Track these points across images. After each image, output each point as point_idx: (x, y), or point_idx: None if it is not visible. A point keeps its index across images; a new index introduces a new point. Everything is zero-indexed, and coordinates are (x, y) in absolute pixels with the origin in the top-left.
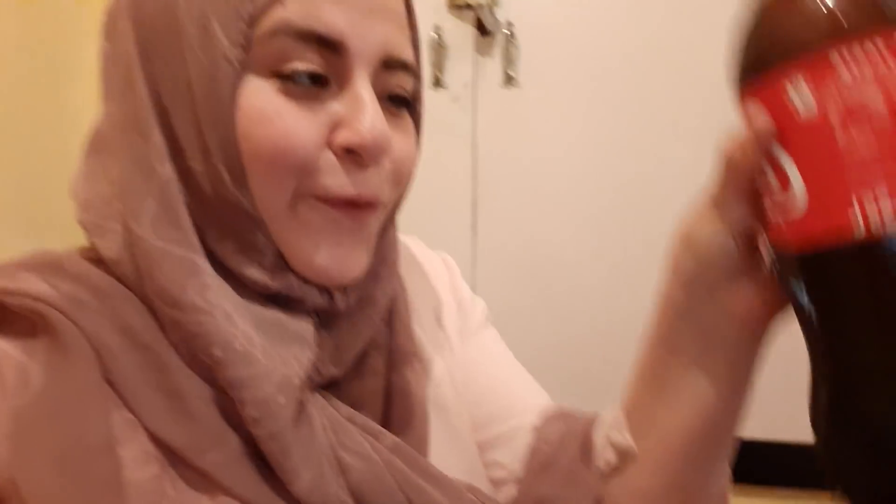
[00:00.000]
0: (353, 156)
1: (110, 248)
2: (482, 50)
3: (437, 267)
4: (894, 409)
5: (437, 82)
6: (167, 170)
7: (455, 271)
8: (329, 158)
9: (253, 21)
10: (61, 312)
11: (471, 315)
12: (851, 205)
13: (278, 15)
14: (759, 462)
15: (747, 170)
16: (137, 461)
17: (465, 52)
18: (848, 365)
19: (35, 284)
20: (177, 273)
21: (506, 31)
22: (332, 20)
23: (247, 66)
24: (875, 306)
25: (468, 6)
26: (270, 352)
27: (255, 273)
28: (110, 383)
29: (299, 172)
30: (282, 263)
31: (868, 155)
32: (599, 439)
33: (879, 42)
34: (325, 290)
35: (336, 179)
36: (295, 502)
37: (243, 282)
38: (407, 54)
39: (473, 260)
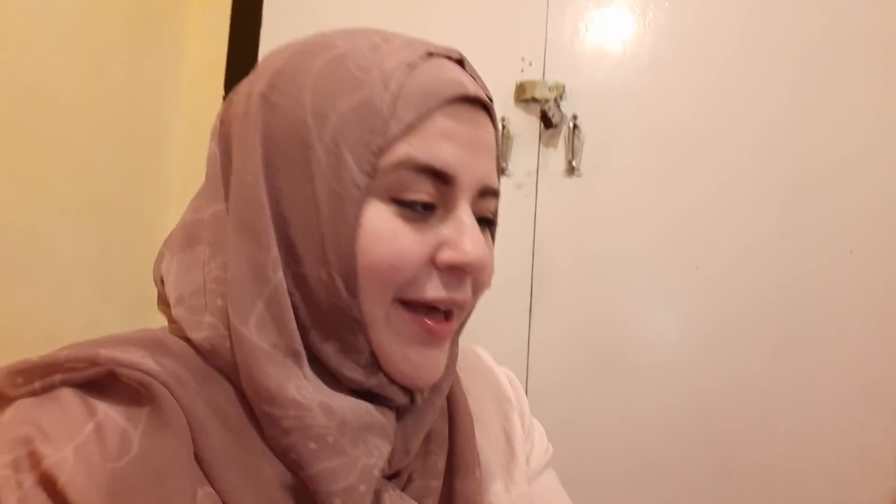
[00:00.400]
0: (455, 271)
1: (207, 340)
2: (547, 141)
3: (502, 381)
4: None
5: (502, 170)
6: (279, 277)
7: (520, 390)
8: (428, 272)
9: (380, 153)
10: (165, 386)
11: (538, 447)
12: None
13: (403, 151)
14: None
15: None
16: None
17: (531, 142)
18: None
19: (143, 359)
20: (277, 373)
21: (570, 123)
22: (446, 157)
23: (370, 191)
24: None
25: (534, 99)
26: (357, 441)
27: (353, 372)
28: (199, 459)
29: (403, 284)
30: (375, 363)
31: None
32: None
33: None
34: (408, 389)
35: (431, 287)
36: None
37: (338, 377)
38: (496, 183)
39: (528, 343)
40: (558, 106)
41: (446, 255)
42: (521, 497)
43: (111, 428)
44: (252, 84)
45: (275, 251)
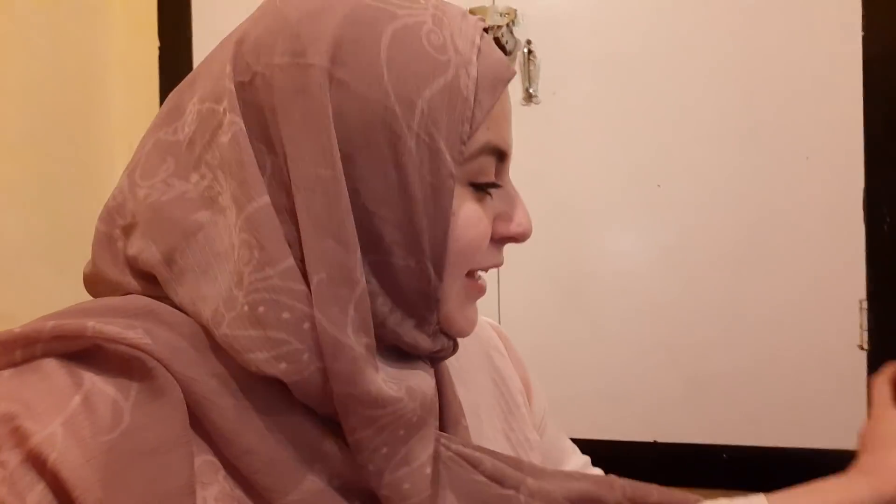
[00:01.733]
0: (508, 240)
1: (282, 359)
2: None
3: (489, 332)
4: None
5: None
6: (364, 279)
7: (509, 340)
8: (488, 245)
9: (466, 140)
10: (158, 360)
11: (538, 398)
12: None
13: (483, 137)
14: None
15: None
16: (218, 501)
17: None
18: None
19: (134, 332)
20: (374, 375)
21: (525, 49)
22: (508, 138)
23: (457, 179)
24: None
25: (486, 28)
26: (427, 407)
27: (424, 342)
28: (199, 428)
29: (475, 260)
30: (439, 329)
31: None
32: None
33: None
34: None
35: (488, 257)
36: None
37: (409, 349)
38: None
39: (497, 273)
40: (511, 32)
41: (505, 229)
42: (526, 442)
43: (100, 399)
44: (300, 53)
45: (359, 252)
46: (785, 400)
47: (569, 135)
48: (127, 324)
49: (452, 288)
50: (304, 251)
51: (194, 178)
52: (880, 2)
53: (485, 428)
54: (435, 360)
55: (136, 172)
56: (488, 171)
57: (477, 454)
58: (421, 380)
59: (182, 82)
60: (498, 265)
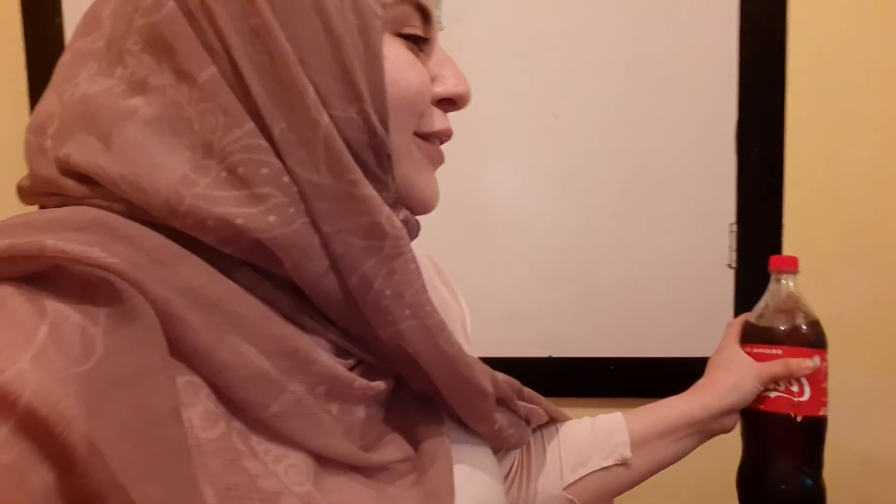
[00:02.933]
0: (447, 103)
1: (269, 213)
2: None
3: (424, 261)
4: (782, 485)
5: None
6: (326, 118)
7: (443, 270)
8: (429, 103)
9: None
10: (126, 281)
11: (467, 313)
12: (822, 406)
13: None
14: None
15: (789, 377)
16: (204, 421)
17: None
18: (760, 460)
19: (95, 250)
20: (367, 208)
21: None
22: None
23: (385, 26)
24: (791, 443)
25: None
26: None
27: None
28: (175, 350)
29: (424, 118)
30: (399, 198)
31: (824, 389)
32: (608, 444)
33: (825, 354)
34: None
35: (439, 120)
36: (353, 434)
37: None
38: None
39: None
40: None
41: (443, 88)
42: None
43: (68, 328)
44: None
45: (312, 91)
46: (663, 314)
47: (472, 63)
48: (84, 240)
49: (404, 146)
50: (259, 105)
51: (118, 71)
52: None
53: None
54: None
55: (59, 80)
56: (413, 24)
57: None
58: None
59: (93, 1)
60: (446, 131)
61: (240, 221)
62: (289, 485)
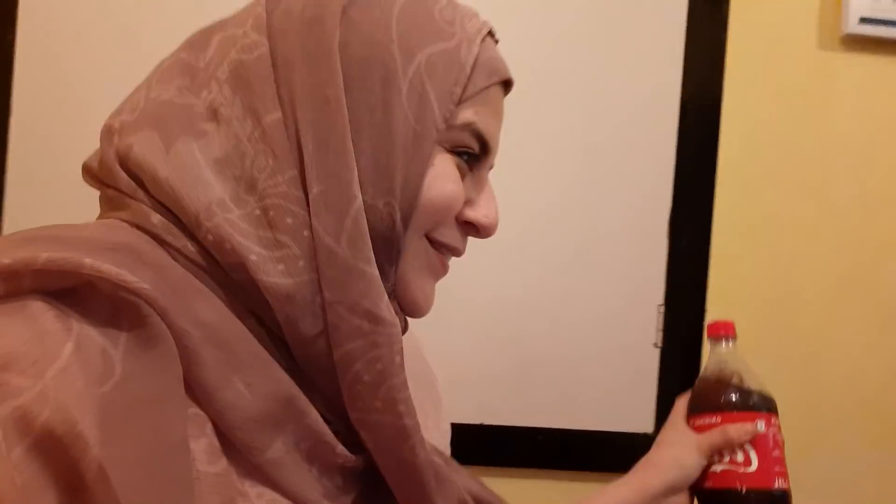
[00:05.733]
0: (471, 229)
1: (279, 259)
2: None
3: (415, 337)
4: None
5: None
6: (360, 197)
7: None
8: (453, 222)
9: (456, 102)
10: (153, 307)
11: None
12: (774, 477)
13: (470, 114)
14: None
15: (729, 445)
16: (208, 455)
17: None
18: None
19: (126, 273)
20: (372, 290)
21: None
22: (493, 132)
23: (440, 137)
24: None
25: None
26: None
27: None
28: (186, 381)
29: (442, 227)
30: (393, 292)
31: (778, 458)
32: None
33: (775, 419)
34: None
35: (455, 237)
36: (331, 496)
37: None
38: None
39: None
40: None
41: (471, 213)
42: (446, 433)
43: (91, 347)
44: None
45: (356, 171)
46: (592, 388)
47: None
48: (114, 260)
49: (414, 245)
50: (305, 164)
51: (204, 93)
52: (698, 55)
53: (427, 417)
54: None
55: (154, 79)
56: (469, 144)
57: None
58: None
59: (213, 23)
60: (458, 249)
61: (252, 258)
62: None
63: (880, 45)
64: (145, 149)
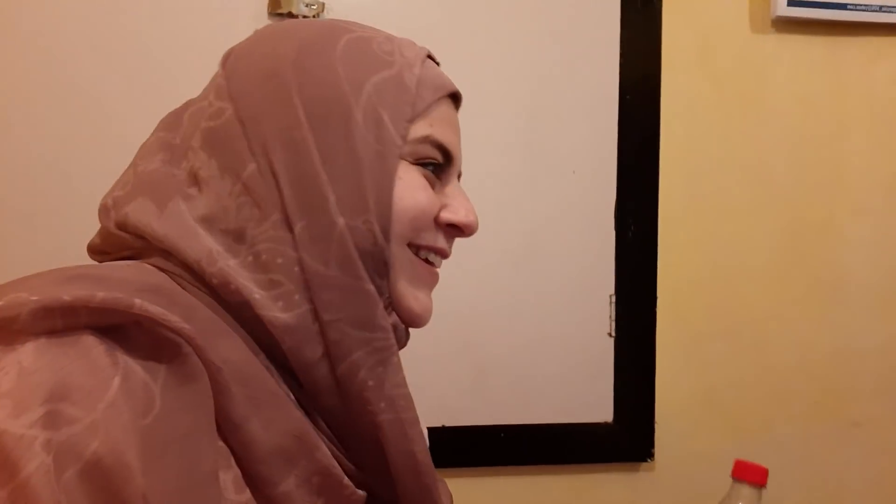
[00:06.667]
0: (452, 230)
1: (278, 297)
2: None
3: None
4: None
5: None
6: (342, 221)
7: None
8: (435, 227)
9: (411, 122)
10: (192, 346)
11: None
12: None
13: (425, 128)
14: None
15: None
16: (236, 485)
17: None
18: None
19: (171, 314)
20: (367, 303)
21: None
22: (451, 140)
23: (402, 152)
24: None
25: (291, 14)
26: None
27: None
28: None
29: (421, 231)
30: (390, 306)
31: None
32: None
33: None
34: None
35: (438, 239)
36: None
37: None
38: None
39: None
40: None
41: (450, 215)
42: None
43: (135, 381)
44: (272, 50)
45: (333, 198)
46: (549, 381)
47: None
48: (154, 300)
49: (400, 256)
50: (286, 203)
51: (183, 164)
52: (634, 45)
53: None
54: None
55: (138, 158)
56: (433, 160)
57: None
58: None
59: (183, 104)
60: (443, 251)
61: (256, 296)
62: None
63: (809, 25)
64: (140, 213)
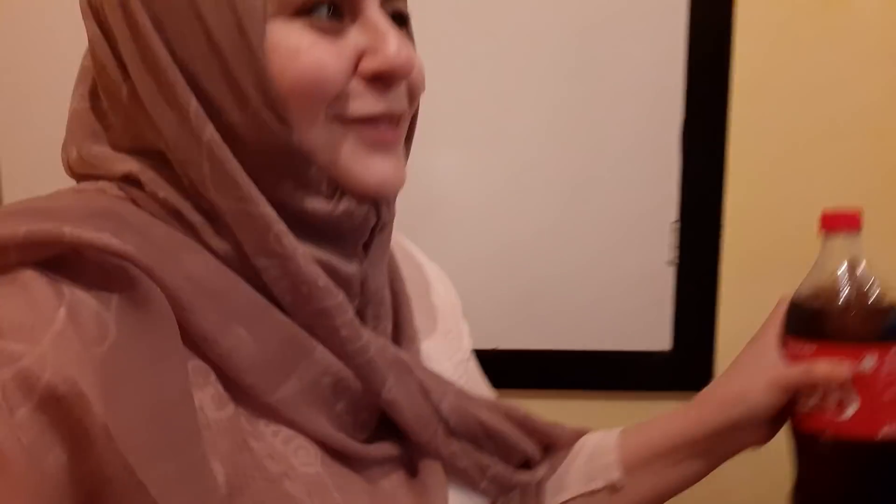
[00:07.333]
0: (382, 80)
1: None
2: None
3: (434, 275)
4: None
5: None
6: (209, 132)
7: (450, 284)
8: (356, 86)
9: None
10: (139, 268)
11: (466, 335)
12: (882, 425)
13: None
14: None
15: (818, 387)
16: (215, 402)
17: None
18: (818, 496)
19: (112, 238)
20: (254, 229)
21: None
22: None
23: (270, 11)
24: (851, 480)
25: None
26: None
27: (318, 204)
28: (183, 334)
29: (332, 101)
30: (337, 189)
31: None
32: (593, 465)
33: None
34: (375, 206)
35: (365, 102)
36: (356, 427)
37: (307, 217)
38: None
39: None
40: None
41: (371, 63)
42: (461, 364)
43: (84, 311)
44: None
45: (194, 105)
46: (605, 308)
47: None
48: (95, 226)
49: (326, 135)
50: (158, 126)
51: (91, 98)
52: None
53: (432, 352)
54: (360, 236)
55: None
56: (323, 1)
57: (410, 363)
58: (326, 256)
59: None
60: (386, 114)
61: (196, 219)
62: (297, 465)
63: None
64: (70, 161)
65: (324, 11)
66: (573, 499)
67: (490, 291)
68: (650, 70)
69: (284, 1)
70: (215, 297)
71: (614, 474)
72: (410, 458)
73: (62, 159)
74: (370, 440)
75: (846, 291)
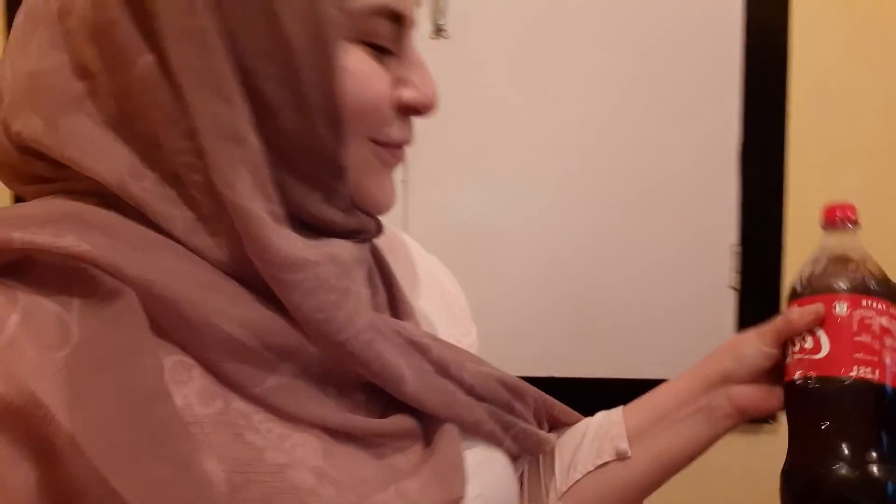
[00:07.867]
0: (414, 111)
1: (190, 221)
2: None
3: (437, 269)
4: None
5: None
6: (254, 138)
7: (452, 277)
8: (391, 112)
9: None
10: (102, 267)
11: (474, 331)
12: (852, 366)
13: None
14: None
15: (795, 329)
16: (202, 397)
17: None
18: (802, 445)
19: (65, 239)
20: (281, 238)
21: None
22: (408, 2)
23: (343, 34)
24: (835, 415)
25: None
26: (356, 276)
27: (336, 217)
28: (161, 330)
29: (378, 123)
30: (351, 203)
31: (866, 344)
32: (602, 439)
33: (876, 303)
34: (376, 220)
35: (398, 129)
36: (354, 412)
37: (320, 225)
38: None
39: (405, 215)
40: None
41: (409, 95)
42: (472, 345)
43: (43, 315)
44: None
45: (244, 106)
46: (663, 335)
47: (478, 69)
48: (55, 231)
49: (359, 154)
50: (190, 110)
51: (68, 47)
52: None
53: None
54: (359, 241)
55: (12, 47)
56: (383, 34)
57: (425, 341)
58: (341, 248)
59: None
60: (405, 141)
61: (178, 224)
62: (296, 460)
63: None
64: (33, 132)
65: (385, 45)
66: (585, 476)
67: (545, 318)
68: (706, 88)
69: (355, 27)
70: (194, 288)
71: (621, 444)
72: (427, 428)
73: (1, 129)
74: (386, 412)
75: (830, 260)
